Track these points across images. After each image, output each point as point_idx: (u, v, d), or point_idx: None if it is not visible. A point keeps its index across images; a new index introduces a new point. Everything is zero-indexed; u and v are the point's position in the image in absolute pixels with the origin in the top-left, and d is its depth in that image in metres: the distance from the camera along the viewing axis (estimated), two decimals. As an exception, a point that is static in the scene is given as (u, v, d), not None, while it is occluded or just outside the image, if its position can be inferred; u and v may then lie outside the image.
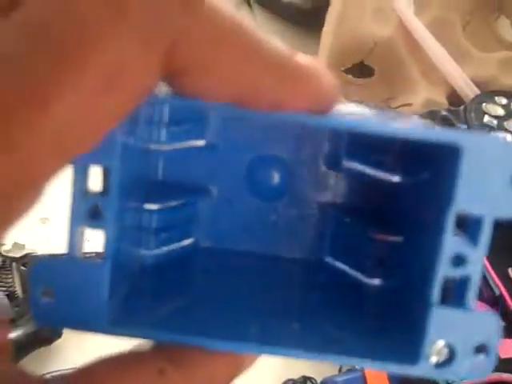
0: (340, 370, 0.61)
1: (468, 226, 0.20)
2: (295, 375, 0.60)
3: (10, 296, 0.53)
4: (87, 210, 0.20)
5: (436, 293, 0.20)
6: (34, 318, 0.21)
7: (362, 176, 0.27)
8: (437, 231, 0.20)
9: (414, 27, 0.76)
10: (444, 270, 0.20)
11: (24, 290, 0.54)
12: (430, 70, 0.76)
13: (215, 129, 0.28)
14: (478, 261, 0.20)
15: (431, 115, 0.69)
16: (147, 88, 0.18)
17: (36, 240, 0.59)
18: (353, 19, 0.75)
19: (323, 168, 0.29)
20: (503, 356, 0.53)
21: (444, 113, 0.69)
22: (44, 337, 0.49)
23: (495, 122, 0.69)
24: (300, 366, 0.61)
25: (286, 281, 0.28)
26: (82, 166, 0.20)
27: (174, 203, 0.27)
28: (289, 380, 0.59)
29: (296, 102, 0.20)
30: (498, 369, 0.52)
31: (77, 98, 0.16)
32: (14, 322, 0.49)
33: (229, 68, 0.18)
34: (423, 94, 0.75)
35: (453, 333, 0.21)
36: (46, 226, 0.62)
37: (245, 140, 0.29)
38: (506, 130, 0.68)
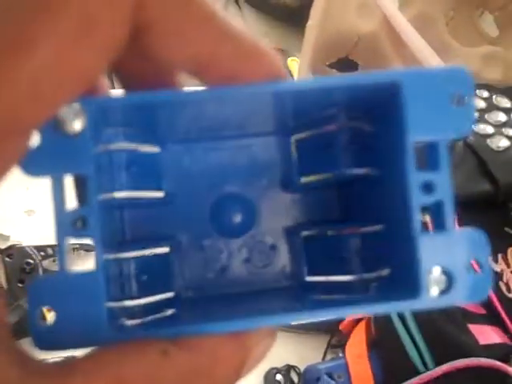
0: (323, 358, 0.62)
1: (428, 159, 0.21)
2: (279, 364, 0.60)
3: (-5, 286, 0.54)
4: (71, 222, 0.21)
5: (417, 223, 0.21)
6: (35, 344, 0.21)
7: (319, 184, 0.28)
8: (401, 170, 0.21)
9: (398, 22, 0.76)
10: (417, 199, 0.21)
11: (8, 281, 0.54)
12: (413, 64, 0.77)
13: (171, 177, 0.28)
14: (445, 184, 0.21)
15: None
16: (117, 39, 0.18)
17: (21, 232, 0.60)
18: (337, 14, 0.76)
19: (281, 192, 0.29)
20: (482, 342, 0.54)
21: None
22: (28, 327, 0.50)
23: (477, 114, 0.69)
24: (284, 354, 0.61)
25: (273, 307, 0.28)
26: (59, 178, 0.21)
27: (147, 253, 0.27)
28: (272, 368, 0.60)
29: (251, 75, 0.21)
30: (477, 354, 0.53)
31: (50, 44, 0.17)
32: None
33: (192, 30, 0.19)
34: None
35: (444, 257, 0.21)
36: (32, 218, 0.62)
37: (202, 183, 0.28)
38: (488, 123, 0.69)
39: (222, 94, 0.21)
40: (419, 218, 0.21)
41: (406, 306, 0.21)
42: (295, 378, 0.60)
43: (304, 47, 0.77)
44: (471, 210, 0.62)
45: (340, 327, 0.62)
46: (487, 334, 0.55)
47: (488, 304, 0.58)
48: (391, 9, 0.76)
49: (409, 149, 0.21)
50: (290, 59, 0.85)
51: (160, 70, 0.23)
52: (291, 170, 0.28)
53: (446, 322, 0.55)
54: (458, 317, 0.56)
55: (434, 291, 0.21)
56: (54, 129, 0.21)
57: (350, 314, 0.22)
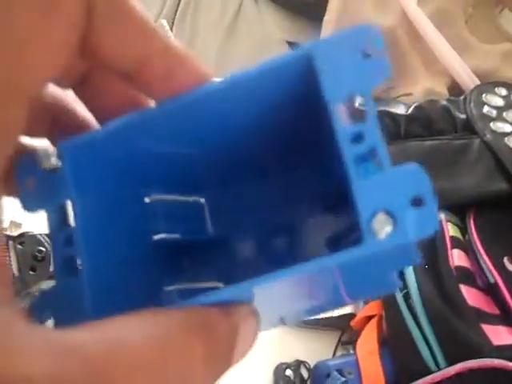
0: (334, 355, 0.62)
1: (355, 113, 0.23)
2: (289, 359, 0.60)
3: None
4: (64, 240, 0.23)
5: (352, 169, 0.21)
6: None
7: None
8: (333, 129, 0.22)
9: (416, 18, 0.76)
10: (349, 149, 0.21)
11: (20, 269, 0.54)
12: (431, 60, 0.76)
13: (217, 221, 0.28)
14: (373, 132, 0.22)
15: (431, 105, 0.69)
16: (79, 16, 0.21)
17: (33, 219, 0.60)
18: (354, 8, 0.75)
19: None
20: (496, 343, 0.54)
21: (444, 103, 0.69)
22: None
23: (495, 112, 0.69)
24: (294, 349, 0.61)
25: None
26: (51, 209, 0.23)
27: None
28: (282, 364, 0.60)
29: (184, 76, 0.23)
30: (491, 355, 0.52)
31: (26, 17, 0.19)
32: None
33: (130, 31, 0.22)
34: (424, 84, 0.76)
35: (385, 198, 0.20)
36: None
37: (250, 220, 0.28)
38: (506, 121, 0.68)
39: None
40: (354, 167, 0.21)
41: (357, 254, 0.20)
42: (305, 374, 0.59)
43: (321, 41, 0.76)
44: (488, 208, 0.61)
45: (351, 324, 0.62)
46: (501, 335, 0.55)
47: (502, 305, 0.57)
48: (410, 4, 0.76)
49: (333, 109, 0.22)
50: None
51: (107, 75, 0.24)
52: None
53: (459, 322, 0.55)
54: (472, 316, 0.55)
55: (381, 234, 0.20)
56: (35, 168, 0.23)
57: (310, 269, 0.21)
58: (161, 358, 0.19)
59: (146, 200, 0.27)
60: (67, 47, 0.21)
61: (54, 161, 0.23)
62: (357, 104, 0.22)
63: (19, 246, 0.55)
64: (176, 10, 1.57)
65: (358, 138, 0.22)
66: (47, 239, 0.57)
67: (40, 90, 0.21)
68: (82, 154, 0.23)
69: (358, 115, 0.22)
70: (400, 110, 0.68)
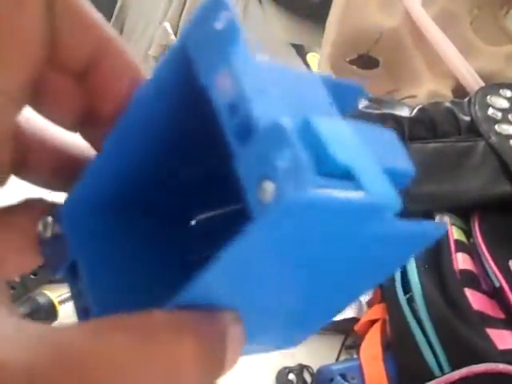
0: (337, 359, 0.61)
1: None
2: (291, 363, 0.59)
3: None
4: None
5: (232, 139, 0.20)
6: None
7: None
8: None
9: (421, 19, 0.75)
10: (227, 121, 0.21)
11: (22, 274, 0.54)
12: (435, 62, 0.76)
13: None
14: (246, 102, 0.21)
15: (435, 107, 0.69)
16: (42, 9, 0.21)
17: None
18: (358, 10, 0.75)
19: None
20: (501, 347, 0.53)
21: (448, 105, 0.69)
22: (40, 318, 0.49)
23: (500, 114, 0.68)
24: (296, 353, 0.60)
25: None
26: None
27: None
28: (285, 368, 0.59)
29: (125, 77, 0.24)
30: (496, 360, 0.51)
31: None
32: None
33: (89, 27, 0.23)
34: (428, 86, 0.75)
35: (262, 165, 0.19)
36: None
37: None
38: (511, 123, 0.68)
39: None
40: (233, 138, 0.21)
41: (252, 227, 0.19)
42: (308, 378, 0.59)
43: (324, 43, 0.76)
44: (493, 211, 0.60)
45: (355, 328, 0.61)
46: (506, 339, 0.54)
47: (507, 308, 0.56)
48: (414, 5, 0.75)
49: (210, 85, 0.22)
50: (310, 55, 0.84)
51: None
52: None
53: (464, 326, 0.54)
54: (476, 320, 0.55)
55: (267, 199, 0.19)
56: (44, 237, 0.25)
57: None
58: (145, 355, 0.18)
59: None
60: (35, 44, 0.22)
61: (55, 228, 0.24)
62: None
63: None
64: (181, 13, 1.57)
65: (233, 108, 0.21)
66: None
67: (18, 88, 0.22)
68: (75, 208, 0.25)
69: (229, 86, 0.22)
70: (404, 112, 0.68)
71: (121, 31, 1.84)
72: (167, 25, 0.77)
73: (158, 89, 0.24)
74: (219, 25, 0.22)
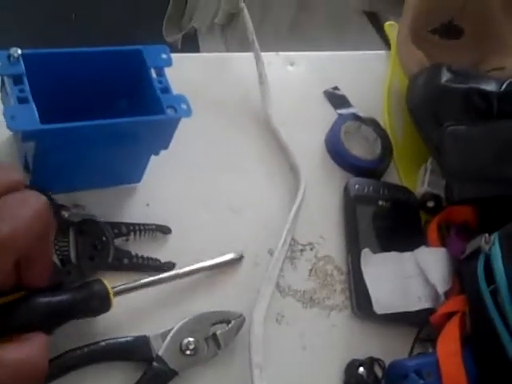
0: (410, 353, 0.57)
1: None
2: (361, 355, 0.56)
3: (64, 260, 0.52)
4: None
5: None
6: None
7: None
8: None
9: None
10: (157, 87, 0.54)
11: (78, 257, 0.52)
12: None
13: None
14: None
15: (526, 81, 0.63)
16: None
17: (96, 203, 0.58)
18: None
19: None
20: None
21: (542, 78, 0.62)
22: (92, 307, 0.47)
23: None
24: (367, 345, 0.57)
25: None
26: None
27: None
28: (355, 360, 0.56)
29: None
30: None
31: None
32: (63, 286, 0.47)
33: None
34: (518, 57, 0.69)
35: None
36: (109, 191, 0.60)
37: None
38: None
39: None
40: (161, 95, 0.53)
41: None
42: (379, 373, 0.55)
43: (404, 11, 0.70)
44: None
45: (431, 320, 0.57)
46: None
47: None
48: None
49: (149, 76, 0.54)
50: (387, 23, 0.78)
51: None
52: None
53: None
54: None
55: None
56: None
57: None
58: None
59: None
60: None
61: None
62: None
63: (80, 234, 0.53)
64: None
65: (163, 89, 0.53)
66: (109, 228, 0.55)
67: None
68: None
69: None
70: (491, 86, 0.62)
71: (185, 3, 1.80)
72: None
73: None
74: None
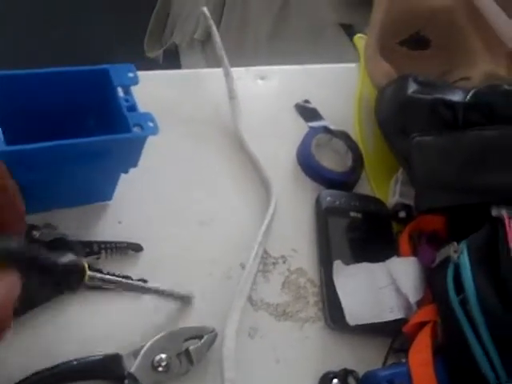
0: (384, 364, 0.57)
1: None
2: (335, 367, 0.56)
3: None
4: None
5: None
6: None
7: None
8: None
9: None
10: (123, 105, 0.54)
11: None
12: (492, 41, 0.70)
13: None
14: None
15: (492, 90, 0.64)
16: None
17: (68, 223, 0.58)
18: (408, -14, 0.70)
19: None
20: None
21: (507, 87, 0.63)
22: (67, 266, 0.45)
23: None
24: (340, 357, 0.57)
25: None
26: None
27: None
28: (329, 372, 0.56)
29: None
30: None
31: None
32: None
33: None
34: (484, 67, 0.70)
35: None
36: (80, 210, 0.60)
37: None
38: None
39: None
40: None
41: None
42: (353, 384, 0.55)
43: (372, 23, 0.71)
44: None
45: (403, 330, 0.57)
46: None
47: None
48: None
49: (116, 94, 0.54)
50: (357, 36, 0.79)
51: None
52: None
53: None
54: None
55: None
56: None
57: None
58: None
59: None
60: None
61: None
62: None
63: (50, 252, 0.53)
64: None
65: (130, 107, 0.54)
66: (80, 247, 0.55)
67: None
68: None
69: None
70: (457, 96, 0.63)
71: (167, 15, 1.81)
72: (205, 9, 0.74)
73: None
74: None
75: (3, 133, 0.49)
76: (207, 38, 1.56)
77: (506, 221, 0.55)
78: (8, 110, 0.51)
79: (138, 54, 1.75)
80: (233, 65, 0.71)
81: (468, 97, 0.61)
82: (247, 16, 1.45)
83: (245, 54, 1.43)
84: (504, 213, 0.56)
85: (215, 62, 0.71)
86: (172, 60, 1.80)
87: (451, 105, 0.61)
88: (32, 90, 0.55)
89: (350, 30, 1.27)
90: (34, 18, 1.80)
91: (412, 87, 0.63)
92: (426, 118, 0.61)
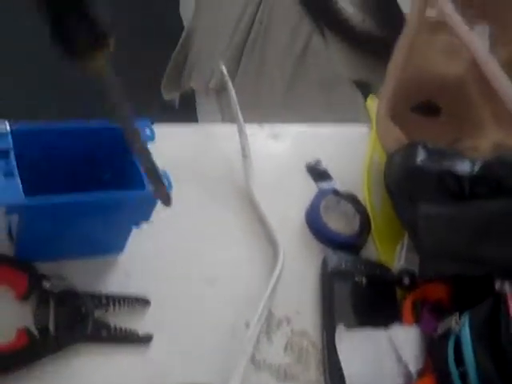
0: None
1: None
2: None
3: (42, 331, 0.53)
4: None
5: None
6: None
7: None
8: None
9: (488, 65, 0.71)
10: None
11: (57, 327, 0.53)
12: (502, 112, 0.72)
13: None
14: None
15: (500, 161, 0.65)
16: None
17: (78, 274, 0.59)
18: (421, 55, 0.72)
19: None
20: None
21: (514, 159, 0.64)
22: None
23: None
24: None
25: None
26: None
27: None
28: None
29: None
30: None
31: None
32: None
33: None
34: (493, 137, 0.71)
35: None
36: (90, 262, 0.61)
37: None
38: None
39: None
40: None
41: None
42: None
43: (384, 88, 0.73)
44: None
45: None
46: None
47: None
48: (481, 51, 0.71)
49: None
50: (369, 98, 0.81)
51: None
52: None
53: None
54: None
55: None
56: None
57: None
58: None
59: None
60: None
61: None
62: None
63: (59, 304, 0.54)
64: (245, 41, 1.57)
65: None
66: (89, 299, 0.56)
67: None
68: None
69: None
70: (465, 166, 0.64)
71: (185, 60, 1.85)
72: (222, 65, 0.76)
73: None
74: None
75: (22, 183, 0.51)
76: (222, 88, 1.59)
77: (509, 296, 0.55)
78: (26, 161, 0.53)
79: (154, 96, 1.77)
80: (247, 115, 0.73)
81: (476, 169, 0.62)
82: (264, 65, 1.48)
83: (260, 104, 1.46)
84: (507, 288, 0.57)
85: (230, 115, 0.73)
86: (188, 105, 1.83)
87: (459, 177, 0.62)
88: (51, 143, 0.57)
89: (363, 87, 1.29)
90: (47, 67, 1.84)
91: (421, 155, 0.65)
92: (434, 188, 0.62)
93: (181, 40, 1.85)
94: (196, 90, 1.81)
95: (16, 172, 0.51)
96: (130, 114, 0.43)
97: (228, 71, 1.58)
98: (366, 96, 1.25)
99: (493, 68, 0.70)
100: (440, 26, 0.70)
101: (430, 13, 0.72)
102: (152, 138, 0.57)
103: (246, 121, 0.73)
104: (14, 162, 0.52)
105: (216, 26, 1.71)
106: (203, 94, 1.70)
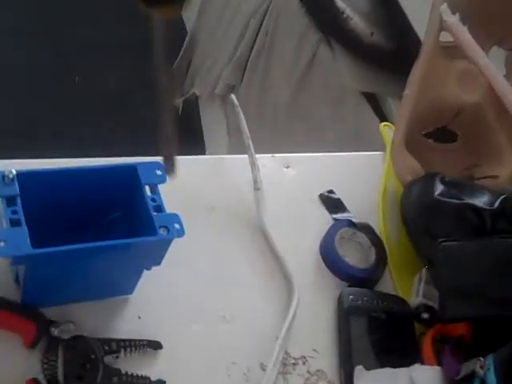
0: None
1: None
2: None
3: (51, 381, 0.51)
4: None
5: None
6: None
7: None
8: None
9: (505, 92, 0.69)
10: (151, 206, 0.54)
11: (66, 376, 0.51)
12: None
13: None
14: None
15: (520, 191, 0.63)
16: None
17: (87, 320, 0.57)
18: (437, 82, 0.70)
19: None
20: None
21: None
22: None
23: None
24: None
25: None
26: None
27: None
28: None
29: None
30: None
31: None
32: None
33: None
34: (511, 166, 0.69)
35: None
36: (99, 306, 0.59)
37: None
38: None
39: None
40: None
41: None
42: None
43: (399, 115, 0.71)
44: None
45: None
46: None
47: None
48: (497, 77, 0.69)
49: (143, 193, 0.55)
50: (382, 124, 0.79)
51: None
52: None
53: None
54: None
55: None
56: None
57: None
58: None
59: None
60: None
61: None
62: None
63: (68, 351, 0.52)
64: (250, 52, 1.55)
65: (157, 208, 0.54)
66: (99, 345, 0.54)
67: None
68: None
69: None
70: (485, 199, 0.62)
71: (188, 67, 1.83)
72: (233, 96, 0.74)
73: None
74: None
75: (29, 229, 0.49)
76: (228, 93, 1.56)
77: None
78: (35, 205, 0.51)
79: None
80: (251, 130, 0.71)
81: (496, 203, 0.61)
82: (269, 78, 1.47)
83: (265, 116, 1.44)
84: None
85: (238, 142, 0.72)
86: (191, 110, 1.81)
87: (479, 211, 0.60)
88: (59, 186, 0.55)
89: (370, 98, 1.27)
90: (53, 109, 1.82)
91: (439, 188, 0.63)
92: (453, 223, 0.61)
93: (183, 47, 1.84)
94: (199, 96, 1.79)
95: (23, 221, 0.49)
96: (168, 69, 0.48)
97: (232, 82, 1.57)
98: (373, 108, 1.24)
99: (510, 94, 0.69)
100: (455, 51, 0.68)
101: (445, 36, 0.70)
102: (163, 179, 0.55)
103: (252, 138, 0.71)
104: (20, 209, 0.50)
105: (219, 34, 1.69)
106: (207, 99, 1.68)
